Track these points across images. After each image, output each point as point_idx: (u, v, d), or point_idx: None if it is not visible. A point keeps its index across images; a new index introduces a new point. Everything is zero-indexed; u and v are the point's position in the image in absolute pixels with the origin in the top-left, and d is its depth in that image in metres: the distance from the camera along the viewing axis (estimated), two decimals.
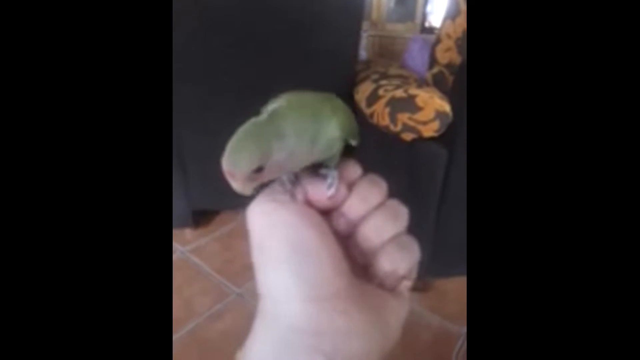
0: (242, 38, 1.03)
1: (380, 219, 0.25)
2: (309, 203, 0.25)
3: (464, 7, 0.93)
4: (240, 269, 1.18)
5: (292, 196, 0.24)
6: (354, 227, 0.25)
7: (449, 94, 0.96)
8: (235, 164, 0.21)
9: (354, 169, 0.26)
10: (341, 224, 0.25)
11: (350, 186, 0.25)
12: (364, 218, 0.25)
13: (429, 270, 1.10)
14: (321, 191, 0.25)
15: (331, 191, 0.24)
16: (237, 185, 0.22)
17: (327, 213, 0.25)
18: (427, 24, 2.55)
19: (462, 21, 0.95)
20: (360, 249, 0.25)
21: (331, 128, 0.25)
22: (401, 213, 0.25)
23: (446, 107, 0.91)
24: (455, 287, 1.17)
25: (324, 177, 0.25)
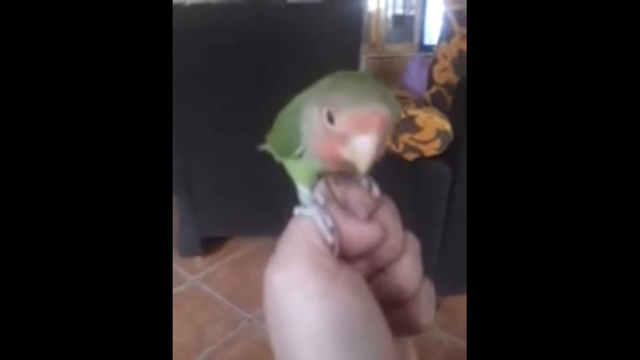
0: (248, 64, 1.06)
1: (410, 265, 0.22)
2: (342, 251, 0.20)
3: (457, 28, 0.96)
4: (250, 295, 1.19)
5: (333, 248, 0.20)
6: (376, 271, 0.22)
7: (449, 113, 0.97)
8: (384, 107, 0.18)
9: (374, 191, 0.22)
10: (363, 268, 0.21)
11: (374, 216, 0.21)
12: (391, 262, 0.21)
13: (438, 288, 1.09)
14: (365, 235, 0.20)
15: (378, 233, 0.20)
16: (374, 138, 0.18)
17: (350, 258, 0.21)
18: (425, 42, 2.60)
19: (456, 42, 0.97)
20: (385, 298, 0.21)
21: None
22: (418, 248, 0.22)
23: (446, 125, 0.92)
24: (465, 304, 1.16)
25: (357, 212, 0.21)
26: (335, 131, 0.19)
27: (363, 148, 0.18)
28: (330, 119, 0.19)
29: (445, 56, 1.01)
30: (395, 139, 0.97)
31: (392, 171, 1.03)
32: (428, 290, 0.22)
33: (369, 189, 0.22)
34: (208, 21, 1.06)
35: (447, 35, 0.99)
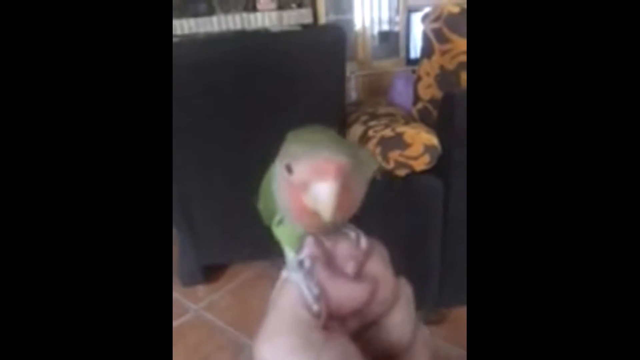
0: (239, 95, 1.09)
1: (403, 316, 0.21)
2: (330, 312, 0.20)
3: (436, 46, 0.99)
4: (253, 321, 1.18)
5: (319, 316, 0.19)
6: (367, 325, 0.21)
7: (435, 127, 1.00)
8: (340, 155, 0.19)
9: (362, 243, 0.22)
10: (353, 325, 0.21)
11: (363, 269, 0.21)
12: (382, 315, 0.21)
13: (441, 301, 1.10)
14: (354, 295, 0.20)
15: (367, 291, 0.20)
16: (332, 185, 0.19)
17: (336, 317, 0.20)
18: (411, 56, 2.64)
19: (437, 58, 1.00)
20: (377, 352, 0.21)
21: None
22: (411, 294, 0.22)
23: (434, 140, 0.94)
24: None
25: (344, 271, 0.21)
26: (294, 181, 0.20)
27: (323, 194, 0.19)
28: (290, 170, 0.20)
29: (428, 73, 1.03)
30: (385, 157, 0.98)
31: (385, 188, 1.05)
32: (423, 338, 0.22)
33: (357, 242, 0.22)
34: (197, 55, 1.09)
35: (427, 53, 1.02)
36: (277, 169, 0.21)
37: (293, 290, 0.20)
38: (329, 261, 0.21)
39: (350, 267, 0.21)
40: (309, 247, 0.22)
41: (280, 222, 0.23)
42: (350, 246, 0.21)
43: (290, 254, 0.23)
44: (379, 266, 0.21)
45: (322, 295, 0.20)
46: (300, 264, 0.21)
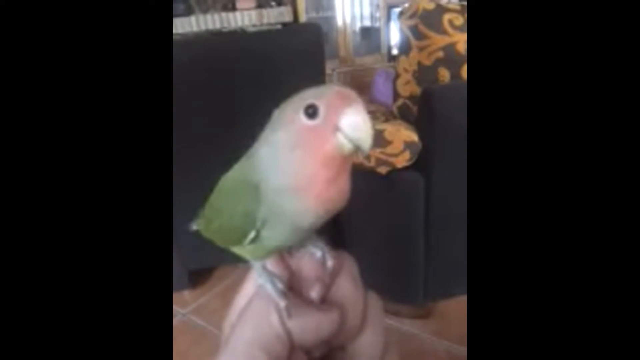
0: (218, 98, 1.08)
1: (371, 341, 0.20)
2: (293, 344, 0.19)
3: (413, 42, 0.99)
4: None
5: (287, 310, 0.19)
6: (334, 349, 0.21)
7: (415, 123, 1.00)
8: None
9: (328, 263, 0.21)
10: (315, 354, 0.20)
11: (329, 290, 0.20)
12: (351, 340, 0.20)
13: (427, 295, 1.11)
14: (321, 326, 0.19)
15: (335, 323, 0.19)
16: (362, 105, 0.18)
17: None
18: (393, 53, 2.66)
19: (414, 55, 1.01)
20: None
21: None
22: (381, 310, 0.21)
23: (413, 136, 0.95)
24: (458, 308, 1.17)
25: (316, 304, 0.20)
26: (319, 124, 0.18)
27: (360, 119, 0.18)
28: (314, 112, 0.18)
29: (406, 70, 1.04)
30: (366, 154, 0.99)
31: (367, 185, 1.05)
32: (392, 354, 0.21)
33: (324, 261, 0.21)
34: (175, 57, 1.08)
35: (405, 50, 1.02)
36: (283, 152, 0.19)
37: (261, 304, 0.20)
38: (293, 284, 0.21)
39: (315, 291, 0.20)
40: (272, 267, 0.21)
41: (254, 239, 0.20)
42: (316, 267, 0.21)
43: (256, 264, 0.22)
44: (348, 287, 0.20)
45: (287, 293, 0.19)
46: (265, 267, 0.21)
